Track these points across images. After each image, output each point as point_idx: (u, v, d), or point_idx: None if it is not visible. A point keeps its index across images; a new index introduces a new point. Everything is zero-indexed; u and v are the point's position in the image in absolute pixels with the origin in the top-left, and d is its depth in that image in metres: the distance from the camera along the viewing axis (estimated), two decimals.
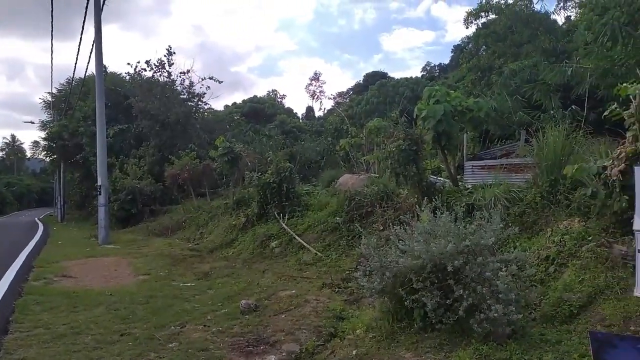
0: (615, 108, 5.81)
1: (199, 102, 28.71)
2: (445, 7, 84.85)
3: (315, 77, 42.68)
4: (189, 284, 9.20)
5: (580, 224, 6.28)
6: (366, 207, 10.42)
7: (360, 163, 16.00)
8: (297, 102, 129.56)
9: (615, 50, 10.90)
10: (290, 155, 21.35)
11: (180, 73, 27.53)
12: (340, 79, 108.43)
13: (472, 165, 12.82)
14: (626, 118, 5.70)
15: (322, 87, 43.91)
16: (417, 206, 7.31)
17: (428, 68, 54.41)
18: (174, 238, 16.62)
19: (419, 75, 51.43)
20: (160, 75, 27.28)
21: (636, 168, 3.66)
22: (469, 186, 10.24)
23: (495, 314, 4.42)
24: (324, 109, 48.61)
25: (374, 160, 13.67)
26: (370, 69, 78.17)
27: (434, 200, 6.39)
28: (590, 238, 5.83)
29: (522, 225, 7.28)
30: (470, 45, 33.94)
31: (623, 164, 5.53)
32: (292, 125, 36.56)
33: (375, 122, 15.35)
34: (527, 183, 8.38)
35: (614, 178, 5.71)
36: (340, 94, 54.17)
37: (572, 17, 35.73)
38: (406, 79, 45.38)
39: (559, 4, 40.05)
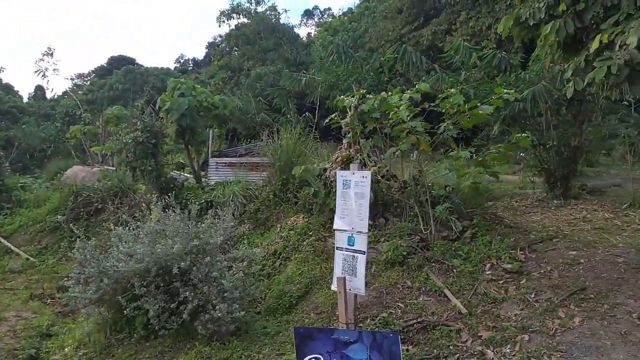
0: (335, 117, 6.55)
1: None
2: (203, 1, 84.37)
3: (49, 53, 36.20)
4: None
5: (305, 220, 6.88)
6: (96, 204, 9.28)
7: (96, 154, 14.29)
8: (23, 79, 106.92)
9: (340, 67, 12.49)
10: (6, 140, 17.79)
11: None
12: (81, 59, 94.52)
13: (217, 162, 12.88)
14: (343, 127, 6.47)
15: (56, 64, 37.40)
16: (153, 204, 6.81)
17: (182, 61, 52.93)
18: None
19: (172, 67, 49.47)
20: None
21: (338, 172, 3.93)
22: (212, 183, 10.24)
23: (219, 314, 4.36)
24: (52, 89, 41.50)
25: (109, 151, 12.36)
26: (116, 52, 70.66)
27: (169, 197, 6.02)
28: (311, 233, 6.42)
29: (256, 222, 7.61)
30: (223, 44, 34.62)
31: (339, 167, 6.27)
32: (10, 104, 30.06)
33: (115, 110, 13.94)
34: (263, 181, 8.80)
35: (332, 179, 6.45)
36: (80, 76, 47.46)
37: (312, 34, 40.44)
38: (157, 68, 43.06)
39: (302, 20, 44.82)
